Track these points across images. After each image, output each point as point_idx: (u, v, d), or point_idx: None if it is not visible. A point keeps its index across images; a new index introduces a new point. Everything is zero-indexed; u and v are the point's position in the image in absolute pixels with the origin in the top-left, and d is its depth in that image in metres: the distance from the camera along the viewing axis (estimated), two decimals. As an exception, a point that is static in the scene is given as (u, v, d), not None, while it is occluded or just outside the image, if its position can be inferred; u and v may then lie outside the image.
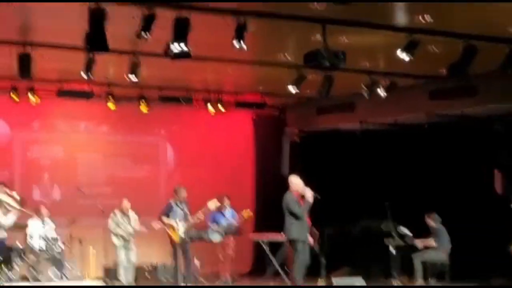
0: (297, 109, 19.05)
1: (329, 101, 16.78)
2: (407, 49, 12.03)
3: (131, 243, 15.72)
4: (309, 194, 12.58)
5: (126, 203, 15.85)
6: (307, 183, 12.88)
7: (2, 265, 14.14)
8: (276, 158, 19.40)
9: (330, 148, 18.28)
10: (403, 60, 12.17)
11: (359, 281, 12.22)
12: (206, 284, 15.35)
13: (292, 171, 18.61)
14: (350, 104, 17.24)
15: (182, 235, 14.92)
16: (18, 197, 13.63)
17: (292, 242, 12.67)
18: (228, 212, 16.35)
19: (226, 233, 16.02)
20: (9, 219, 12.55)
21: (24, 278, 14.89)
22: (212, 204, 15.49)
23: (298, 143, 19.25)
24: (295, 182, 12.82)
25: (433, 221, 15.11)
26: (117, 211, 15.77)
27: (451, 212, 15.33)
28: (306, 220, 12.67)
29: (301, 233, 12.59)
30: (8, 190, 13.06)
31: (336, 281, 12.20)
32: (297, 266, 12.61)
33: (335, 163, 18.10)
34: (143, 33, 10.47)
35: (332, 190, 17.23)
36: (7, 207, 12.85)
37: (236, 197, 17.21)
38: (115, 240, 15.63)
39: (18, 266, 14.92)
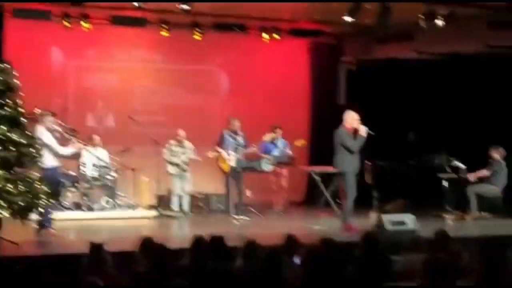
0: (354, 38, 18.63)
1: (388, 30, 16.39)
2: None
3: (186, 172, 15.72)
4: (363, 129, 12.55)
5: (181, 133, 15.80)
6: (362, 115, 12.80)
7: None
8: (332, 88, 19.11)
9: (387, 78, 17.92)
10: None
11: (408, 217, 12.02)
12: (256, 213, 15.24)
13: (348, 100, 18.57)
14: (408, 34, 16.81)
15: (233, 165, 14.94)
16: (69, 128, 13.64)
17: (344, 175, 12.67)
18: (281, 142, 16.21)
19: (279, 163, 15.89)
20: (68, 150, 12.60)
21: (78, 206, 15.06)
22: (267, 137, 15.51)
23: (355, 72, 18.90)
24: (350, 117, 12.71)
25: (496, 154, 14.88)
26: (172, 141, 15.76)
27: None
28: (358, 154, 12.67)
29: (353, 166, 12.65)
30: (60, 121, 13.06)
31: (385, 217, 12.02)
32: (348, 199, 12.71)
33: (392, 93, 17.76)
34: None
35: (388, 121, 17.06)
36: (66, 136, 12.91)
37: (291, 127, 17.09)
38: (170, 169, 15.65)
39: (72, 194, 15.15)
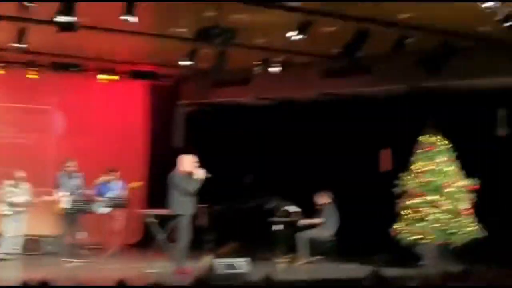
0: (192, 81, 18.84)
1: (225, 75, 16.64)
2: (300, 29, 12.11)
3: (21, 214, 15.43)
4: (200, 172, 12.79)
5: (18, 174, 15.52)
6: (200, 157, 12.97)
7: None
8: (171, 130, 19.18)
9: (224, 121, 18.22)
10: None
11: (240, 261, 12.18)
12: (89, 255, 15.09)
13: (186, 143, 18.67)
14: (245, 78, 17.18)
15: (66, 207, 14.79)
16: None
17: (177, 217, 12.89)
18: (115, 184, 16.13)
19: (113, 206, 15.77)
20: None
21: None
22: (101, 180, 15.48)
23: (192, 115, 19.06)
24: (187, 160, 12.89)
25: (323, 199, 15.28)
26: (7, 181, 15.43)
27: (341, 191, 15.49)
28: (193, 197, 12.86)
29: (188, 209, 12.85)
30: None
31: (217, 261, 12.16)
32: (182, 243, 12.87)
33: (229, 136, 18.02)
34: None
35: (225, 164, 17.27)
36: None
37: (129, 168, 17.10)
38: (4, 210, 15.29)
39: None
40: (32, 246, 16.09)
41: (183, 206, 12.78)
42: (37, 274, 12.88)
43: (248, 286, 10.82)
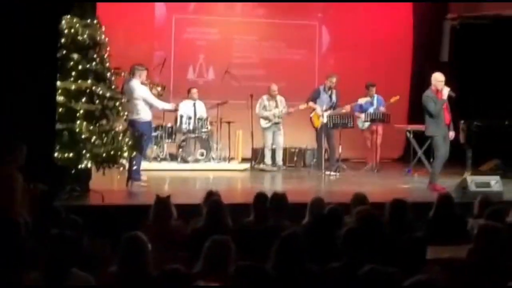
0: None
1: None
2: None
3: (279, 126, 15.88)
4: (444, 91, 12.42)
5: (273, 87, 15.92)
6: (465, 72, 12.64)
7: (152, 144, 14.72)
8: (436, 45, 18.78)
9: (491, 36, 17.51)
10: None
11: (495, 179, 11.85)
12: (348, 170, 15.27)
13: (452, 58, 18.26)
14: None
15: (324, 121, 15.02)
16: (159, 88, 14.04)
17: (431, 138, 12.87)
18: (376, 100, 16.09)
19: (374, 120, 15.78)
20: (165, 106, 13.02)
21: (173, 157, 15.45)
22: (363, 100, 15.51)
23: (459, 29, 18.51)
24: (435, 78, 12.56)
25: None
26: (265, 96, 15.90)
27: None
28: (443, 116, 12.50)
29: (437, 130, 12.55)
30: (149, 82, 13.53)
31: (470, 178, 11.88)
32: (436, 161, 12.71)
33: (496, 52, 17.34)
34: None
35: (491, 80, 16.78)
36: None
37: (392, 85, 17.00)
38: (262, 123, 15.81)
39: (168, 145, 15.53)
40: (295, 158, 16.54)
41: (433, 127, 12.56)
42: (293, 186, 13.55)
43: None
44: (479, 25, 17.90)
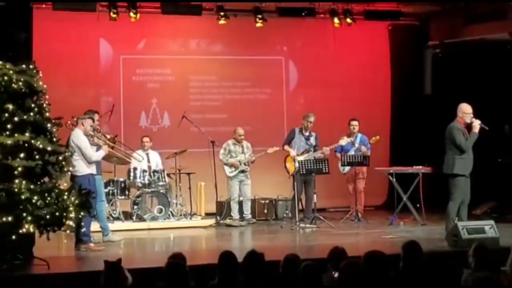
0: (441, 19, 18.44)
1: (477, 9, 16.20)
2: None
3: (246, 174, 15.89)
4: (475, 124, 12.46)
5: (239, 130, 15.97)
6: (450, 106, 12.69)
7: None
8: (417, 74, 18.92)
9: (476, 62, 17.63)
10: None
11: (489, 225, 11.85)
12: (326, 221, 15.18)
13: (435, 89, 18.39)
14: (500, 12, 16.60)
15: (296, 166, 15.00)
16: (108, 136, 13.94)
17: (452, 176, 12.55)
18: (358, 139, 16.08)
19: (351, 164, 15.80)
20: (100, 154, 12.82)
21: (127, 216, 15.35)
22: (344, 141, 15.53)
23: (441, 57, 18.66)
24: (461, 110, 12.62)
25: None
26: (230, 140, 15.91)
27: None
28: (472, 154, 12.55)
29: (464, 168, 12.52)
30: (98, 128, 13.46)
31: (461, 224, 11.88)
32: (453, 203, 12.58)
33: (483, 80, 17.47)
34: None
35: (479, 113, 16.86)
36: (98, 142, 13.13)
37: (370, 123, 17.04)
38: (227, 170, 15.81)
39: (120, 203, 15.43)
40: (266, 211, 16.50)
41: (458, 164, 12.46)
42: (265, 242, 13.53)
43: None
44: (463, 51, 18.07)
